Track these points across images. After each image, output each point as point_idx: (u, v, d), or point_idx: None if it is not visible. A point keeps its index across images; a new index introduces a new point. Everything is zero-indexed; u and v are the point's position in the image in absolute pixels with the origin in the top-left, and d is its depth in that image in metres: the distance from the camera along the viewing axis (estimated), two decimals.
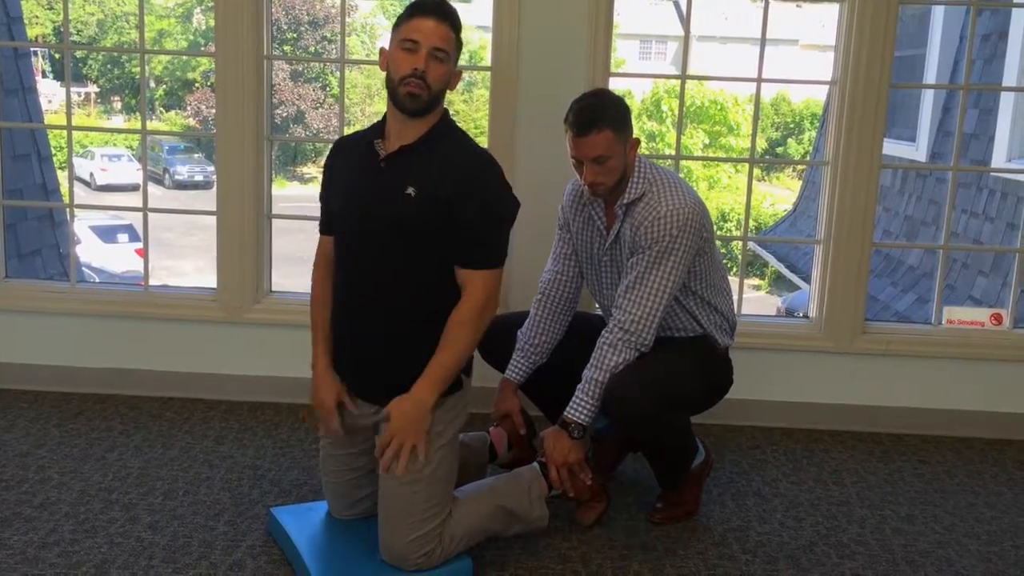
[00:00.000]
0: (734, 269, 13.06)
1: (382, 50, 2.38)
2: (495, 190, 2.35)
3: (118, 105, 26.21)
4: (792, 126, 25.69)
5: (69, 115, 3.80)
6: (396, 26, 2.35)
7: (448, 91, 2.36)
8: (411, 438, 2.29)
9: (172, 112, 24.41)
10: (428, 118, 2.34)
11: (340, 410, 2.49)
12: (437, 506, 2.38)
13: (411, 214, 2.30)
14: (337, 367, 2.52)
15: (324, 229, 2.57)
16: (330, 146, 2.58)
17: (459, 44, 2.36)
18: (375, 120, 2.46)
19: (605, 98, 2.65)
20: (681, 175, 2.80)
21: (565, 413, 2.61)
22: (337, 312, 2.48)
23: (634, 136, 2.65)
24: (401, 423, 2.29)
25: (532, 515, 2.55)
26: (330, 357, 2.52)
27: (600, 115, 2.56)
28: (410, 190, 2.30)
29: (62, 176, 8.70)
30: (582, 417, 2.59)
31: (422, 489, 2.35)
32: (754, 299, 15.35)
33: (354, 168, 2.44)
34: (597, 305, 2.98)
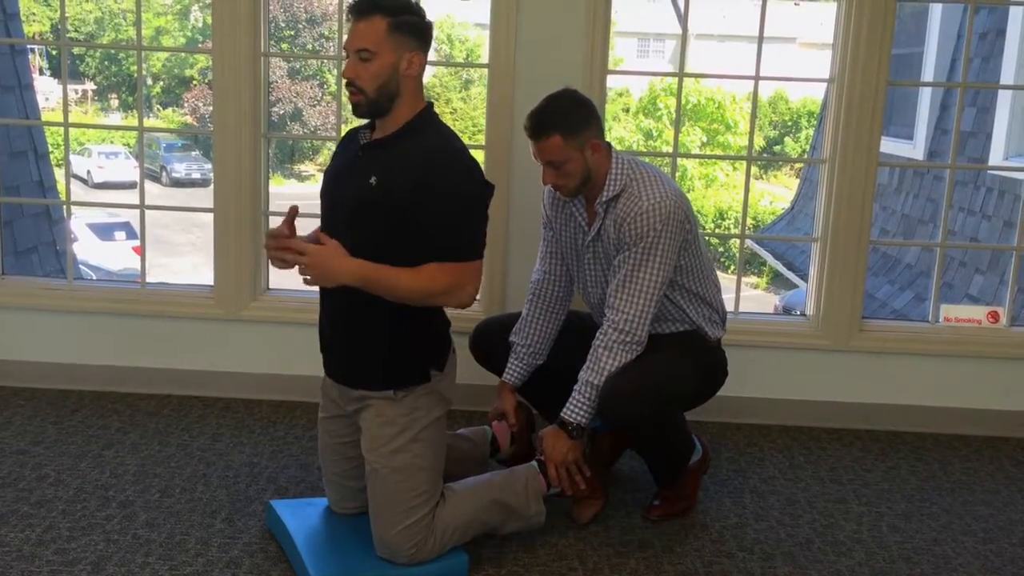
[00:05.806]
0: (732, 267, 13.05)
1: None
2: (455, 182, 2.31)
3: (115, 102, 26.15)
4: (790, 124, 25.67)
5: (66, 112, 3.80)
6: None
7: (411, 77, 2.33)
8: (315, 263, 2.22)
9: (169, 109, 24.35)
10: (402, 112, 2.35)
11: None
12: (424, 495, 2.38)
13: (369, 202, 2.32)
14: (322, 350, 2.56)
15: None
16: (331, 142, 2.60)
17: (398, 27, 2.29)
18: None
19: (560, 102, 2.61)
20: (678, 173, 2.80)
21: (562, 414, 2.61)
22: (320, 298, 2.52)
23: (601, 139, 2.64)
24: (322, 253, 2.23)
25: (529, 511, 2.55)
26: None
27: (548, 121, 2.56)
28: (373, 179, 2.33)
29: (59, 173, 8.67)
30: (579, 418, 2.59)
31: (406, 478, 2.36)
32: (752, 297, 15.36)
33: (342, 157, 2.51)
34: (584, 302, 2.98)
